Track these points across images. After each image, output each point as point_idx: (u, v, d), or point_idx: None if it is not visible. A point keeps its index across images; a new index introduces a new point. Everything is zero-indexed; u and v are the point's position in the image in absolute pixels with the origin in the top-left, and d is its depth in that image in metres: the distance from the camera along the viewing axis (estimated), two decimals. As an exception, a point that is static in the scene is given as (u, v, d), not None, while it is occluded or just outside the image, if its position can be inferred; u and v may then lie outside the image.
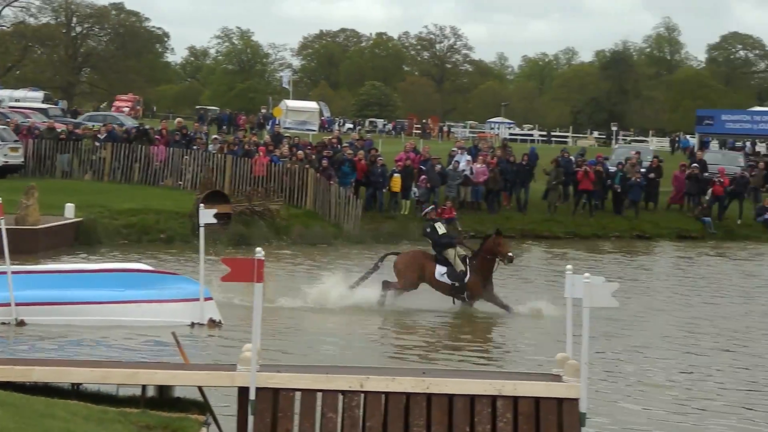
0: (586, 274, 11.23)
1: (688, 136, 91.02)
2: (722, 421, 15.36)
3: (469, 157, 40.89)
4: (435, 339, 20.77)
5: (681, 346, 20.78)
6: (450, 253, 23.43)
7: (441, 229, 23.88)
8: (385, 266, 23.93)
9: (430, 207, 26.11)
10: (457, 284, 23.15)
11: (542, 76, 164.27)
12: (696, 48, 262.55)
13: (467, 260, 23.33)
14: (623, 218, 41.17)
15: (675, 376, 18.06)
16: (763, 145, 70.61)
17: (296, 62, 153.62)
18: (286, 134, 46.08)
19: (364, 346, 19.64)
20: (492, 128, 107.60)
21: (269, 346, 17.47)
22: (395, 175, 38.96)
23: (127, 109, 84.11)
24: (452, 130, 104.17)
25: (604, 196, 41.75)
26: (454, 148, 43.66)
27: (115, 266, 21.31)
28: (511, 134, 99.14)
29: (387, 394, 11.14)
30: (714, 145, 70.32)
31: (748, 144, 66.17)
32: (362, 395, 11.16)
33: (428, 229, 24.02)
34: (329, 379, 11.30)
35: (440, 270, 23.28)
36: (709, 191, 42.32)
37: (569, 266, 11.61)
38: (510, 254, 23.26)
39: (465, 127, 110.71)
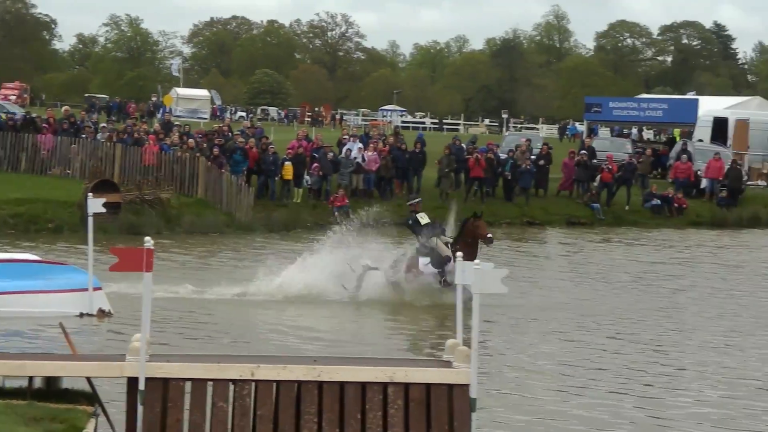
0: (476, 261, 11.31)
1: (577, 124, 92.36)
2: (606, 403, 15.63)
3: (360, 145, 40.92)
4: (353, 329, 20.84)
5: (568, 333, 21.06)
6: (433, 240, 23.48)
7: (424, 219, 23.87)
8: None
9: (416, 200, 25.36)
10: (440, 270, 23.27)
11: (434, 64, 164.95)
12: (585, 36, 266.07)
13: (449, 246, 23.37)
14: (514, 205, 41.55)
15: (562, 362, 18.29)
16: (650, 132, 71.81)
17: (187, 50, 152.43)
18: (177, 122, 45.61)
19: (268, 337, 19.58)
20: (384, 116, 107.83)
21: (171, 338, 17.39)
22: (286, 163, 38.83)
23: (14, 98, 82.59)
24: (345, 117, 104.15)
25: (495, 183, 42.11)
26: (345, 136, 43.62)
27: (1, 256, 20.92)
28: (403, 122, 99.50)
29: (278, 382, 11.10)
30: (604, 131, 71.38)
31: (634, 131, 67.22)
32: (253, 384, 11.11)
33: (410, 221, 24.09)
34: (220, 368, 11.23)
35: (423, 261, 23.48)
36: (598, 178, 42.90)
37: (460, 253, 11.68)
38: (489, 235, 23.35)
39: (357, 115, 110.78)
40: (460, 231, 23.85)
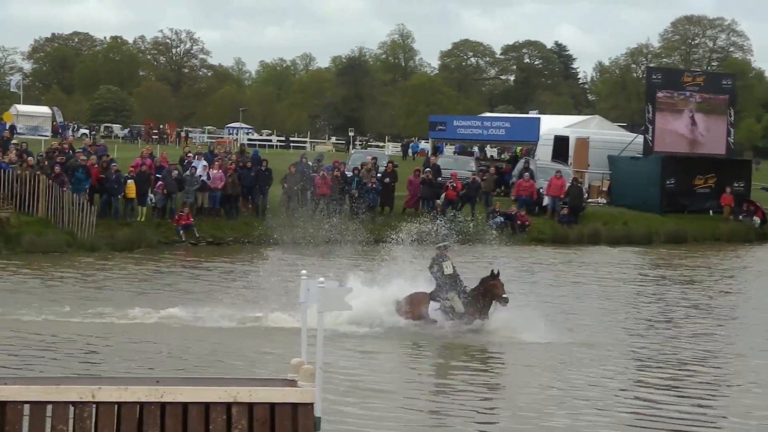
0: (321, 279, 11.29)
1: (422, 142, 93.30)
2: (456, 420, 15.78)
3: (205, 163, 40.59)
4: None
5: (411, 350, 21.18)
6: (452, 295, 23.14)
7: (448, 269, 23.41)
8: None
9: (445, 244, 24.35)
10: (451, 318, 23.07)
11: (280, 81, 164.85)
12: (429, 55, 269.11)
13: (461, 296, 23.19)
14: (360, 223, 41.64)
15: (402, 378, 18.43)
16: (494, 150, 72.99)
17: (27, 66, 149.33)
18: (14, 140, 44.51)
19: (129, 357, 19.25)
20: (230, 133, 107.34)
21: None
22: (129, 181, 38.25)
23: None
24: (190, 135, 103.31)
25: (342, 201, 42.21)
26: (190, 153, 43.19)
27: None
28: (249, 139, 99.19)
29: (120, 404, 10.89)
30: (450, 149, 72.26)
31: (476, 149, 68.22)
32: (94, 406, 10.87)
33: (434, 268, 23.55)
34: (59, 390, 10.96)
35: (434, 306, 23.21)
36: (443, 195, 43.37)
37: (304, 271, 11.64)
38: (505, 296, 22.91)
39: (203, 132, 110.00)
40: (477, 286, 23.45)
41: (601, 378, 19.19)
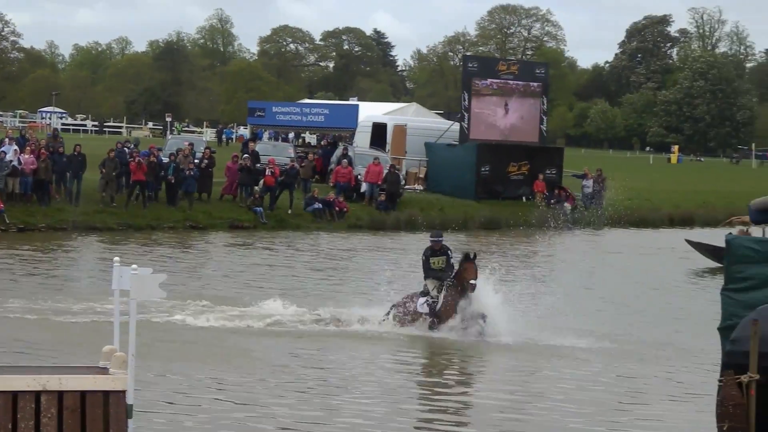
0: (134, 266, 11.18)
1: (242, 128, 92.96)
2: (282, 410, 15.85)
3: (16, 147, 39.57)
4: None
5: (221, 343, 21.07)
6: (429, 283, 22.53)
7: (437, 264, 22.47)
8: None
9: (439, 238, 22.79)
10: (428, 312, 22.35)
11: (95, 65, 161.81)
12: (248, 40, 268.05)
13: (441, 288, 22.49)
14: (177, 209, 41.33)
15: (222, 373, 18.40)
16: (313, 136, 73.13)
17: None
18: None
19: None
20: (43, 118, 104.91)
21: None
22: (-62, 166, 37.10)
23: None
24: (1, 119, 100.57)
25: (158, 187, 41.74)
26: (0, 137, 42.08)
27: None
28: (63, 124, 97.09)
29: (-76, 395, 10.60)
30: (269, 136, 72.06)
31: (291, 135, 68.30)
32: None
33: (424, 258, 22.70)
34: None
35: (420, 300, 22.50)
36: (261, 182, 43.31)
37: (117, 258, 11.51)
38: (472, 282, 21.83)
39: (15, 116, 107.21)
40: (455, 272, 22.62)
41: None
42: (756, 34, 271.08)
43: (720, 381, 13.49)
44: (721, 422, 13.21)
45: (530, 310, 23.28)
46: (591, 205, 52.14)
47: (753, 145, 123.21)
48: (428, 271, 22.62)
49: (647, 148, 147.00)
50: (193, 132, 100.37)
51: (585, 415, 16.33)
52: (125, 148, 42.95)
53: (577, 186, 53.30)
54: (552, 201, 51.07)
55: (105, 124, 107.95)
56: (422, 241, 41.42)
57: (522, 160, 52.63)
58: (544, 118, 55.81)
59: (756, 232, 17.31)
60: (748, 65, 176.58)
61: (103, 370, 11.08)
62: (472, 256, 22.27)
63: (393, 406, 16.43)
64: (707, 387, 16.88)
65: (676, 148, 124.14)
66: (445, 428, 15.63)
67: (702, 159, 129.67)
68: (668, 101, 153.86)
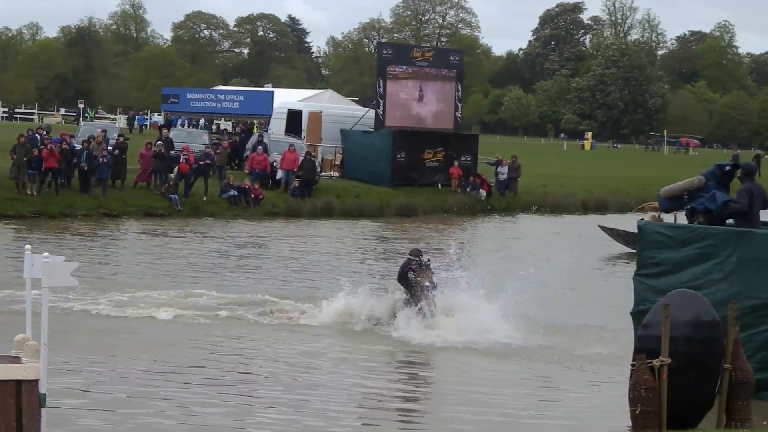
0: (45, 254, 11.06)
1: (156, 114, 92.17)
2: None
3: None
4: None
5: (133, 332, 20.94)
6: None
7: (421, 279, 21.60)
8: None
9: (416, 258, 21.80)
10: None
11: (6, 51, 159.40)
12: (161, 26, 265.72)
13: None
14: (90, 197, 40.86)
15: (135, 362, 18.30)
16: (228, 123, 72.76)
17: None
18: None
19: None
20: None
21: None
22: None
23: None
24: None
25: (71, 174, 41.25)
26: None
27: None
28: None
29: None
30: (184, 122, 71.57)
31: (202, 121, 67.95)
32: None
33: (401, 275, 21.91)
34: None
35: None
36: (176, 169, 42.99)
37: (28, 246, 11.38)
38: (426, 284, 21.35)
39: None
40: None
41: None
42: (667, 22, 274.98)
43: (632, 365, 13.70)
44: (634, 406, 13.42)
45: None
46: (506, 192, 52.58)
47: (665, 131, 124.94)
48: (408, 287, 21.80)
49: (561, 135, 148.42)
50: (105, 119, 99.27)
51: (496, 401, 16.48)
52: (36, 135, 42.35)
53: (491, 173, 53.64)
54: (467, 188, 51.34)
55: (16, 110, 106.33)
56: (339, 229, 41.68)
57: (437, 146, 52.82)
58: (459, 105, 56.04)
59: (668, 218, 17.54)
60: (660, 52, 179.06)
61: (16, 359, 10.96)
62: (416, 256, 21.84)
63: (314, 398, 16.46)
64: (619, 372, 17.12)
65: (589, 134, 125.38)
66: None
67: (618, 146, 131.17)
68: (581, 88, 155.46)
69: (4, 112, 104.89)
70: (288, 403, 15.84)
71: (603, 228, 39.36)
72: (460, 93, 56.08)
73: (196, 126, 65.19)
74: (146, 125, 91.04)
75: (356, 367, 18.56)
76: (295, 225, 41.41)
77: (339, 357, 19.35)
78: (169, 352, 18.69)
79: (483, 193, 51.30)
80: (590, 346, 20.49)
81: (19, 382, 10.58)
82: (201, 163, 43.39)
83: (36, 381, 10.62)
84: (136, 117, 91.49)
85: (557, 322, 22.67)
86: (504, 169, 53.03)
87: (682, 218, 17.50)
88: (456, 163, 52.09)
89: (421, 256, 22.06)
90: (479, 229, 44.73)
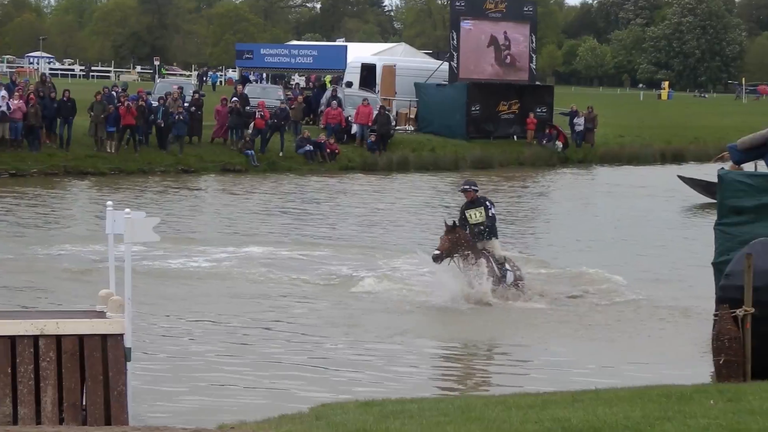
0: (127, 210, 11.19)
1: (229, 71, 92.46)
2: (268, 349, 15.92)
3: (5, 93, 39.30)
4: None
5: (216, 285, 21.01)
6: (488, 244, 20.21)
7: (473, 217, 20.02)
8: None
9: (466, 187, 20.40)
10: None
11: (81, 9, 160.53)
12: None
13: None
14: (168, 153, 41.20)
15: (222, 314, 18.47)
16: (302, 78, 72.85)
17: None
18: None
19: None
20: (31, 63, 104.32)
21: None
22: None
23: None
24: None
25: (148, 131, 41.59)
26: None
27: None
28: (51, 69, 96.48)
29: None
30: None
31: (263, 77, 68.05)
32: None
33: (461, 216, 20.22)
34: None
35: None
36: (251, 125, 43.15)
37: (109, 202, 11.52)
38: (435, 252, 19.44)
39: (2, 61, 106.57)
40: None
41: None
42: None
43: (715, 315, 13.58)
44: (717, 356, 13.31)
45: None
46: (582, 143, 52.13)
47: (743, 79, 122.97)
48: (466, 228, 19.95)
49: (638, 85, 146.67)
50: (178, 75, 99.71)
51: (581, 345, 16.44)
52: (113, 93, 42.70)
53: (567, 124, 53.14)
54: (543, 139, 50.97)
55: (92, 68, 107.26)
56: (415, 180, 41.66)
57: (512, 98, 52.41)
58: (534, 56, 55.52)
59: (748, 167, 17.28)
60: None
61: (101, 314, 11.13)
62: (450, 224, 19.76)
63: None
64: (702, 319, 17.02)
65: (666, 84, 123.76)
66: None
67: (706, 95, 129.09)
68: (657, 37, 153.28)
69: (81, 70, 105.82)
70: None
71: (682, 178, 38.91)
72: (534, 44, 55.52)
73: (275, 81, 65.25)
74: (221, 82, 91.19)
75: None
76: (374, 178, 41.44)
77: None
78: (247, 305, 18.78)
79: (559, 144, 50.91)
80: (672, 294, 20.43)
81: (104, 337, 10.75)
82: (276, 118, 43.51)
83: (121, 335, 10.79)
84: (208, 74, 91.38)
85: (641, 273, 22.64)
86: (580, 120, 52.54)
87: (762, 167, 17.21)
88: (531, 114, 51.69)
89: (472, 186, 20.32)
90: (556, 182, 44.42)
